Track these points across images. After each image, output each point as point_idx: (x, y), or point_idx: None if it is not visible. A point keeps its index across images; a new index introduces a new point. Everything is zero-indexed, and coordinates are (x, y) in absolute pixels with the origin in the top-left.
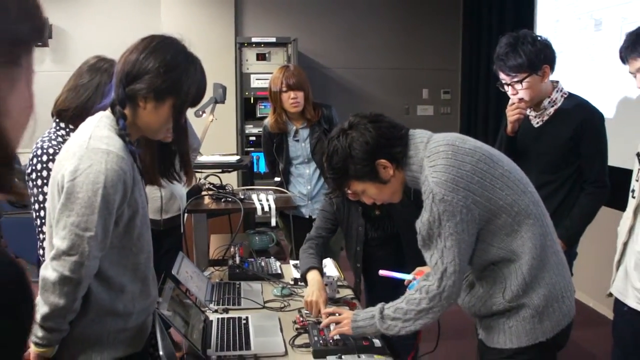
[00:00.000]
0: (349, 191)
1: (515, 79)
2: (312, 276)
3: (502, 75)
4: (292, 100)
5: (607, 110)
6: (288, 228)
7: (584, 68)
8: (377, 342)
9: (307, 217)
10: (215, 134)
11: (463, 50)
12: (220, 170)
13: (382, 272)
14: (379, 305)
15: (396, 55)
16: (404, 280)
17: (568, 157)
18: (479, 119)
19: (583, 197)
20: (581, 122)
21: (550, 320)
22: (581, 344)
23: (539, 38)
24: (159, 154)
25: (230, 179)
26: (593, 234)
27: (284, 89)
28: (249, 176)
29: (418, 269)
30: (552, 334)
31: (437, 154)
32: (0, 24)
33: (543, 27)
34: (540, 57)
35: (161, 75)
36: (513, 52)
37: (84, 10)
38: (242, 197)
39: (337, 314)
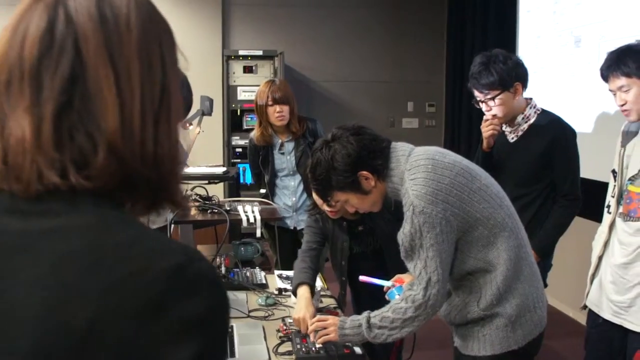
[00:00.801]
0: (328, 209)
1: (489, 96)
2: (301, 292)
3: (476, 93)
4: (278, 114)
5: (586, 124)
6: (273, 239)
7: (564, 83)
8: (357, 350)
9: (292, 228)
10: (202, 145)
11: (447, 64)
12: (206, 182)
13: (362, 278)
14: (365, 314)
15: (382, 68)
16: (383, 286)
17: (541, 171)
18: (462, 132)
19: (556, 210)
20: (553, 138)
21: (523, 330)
22: (561, 353)
23: (510, 57)
24: None
25: (217, 190)
26: (572, 244)
27: (270, 102)
28: (235, 187)
29: (397, 276)
30: (524, 343)
31: (417, 167)
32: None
33: (525, 43)
34: (512, 75)
35: None
36: (485, 70)
37: None
38: (228, 208)
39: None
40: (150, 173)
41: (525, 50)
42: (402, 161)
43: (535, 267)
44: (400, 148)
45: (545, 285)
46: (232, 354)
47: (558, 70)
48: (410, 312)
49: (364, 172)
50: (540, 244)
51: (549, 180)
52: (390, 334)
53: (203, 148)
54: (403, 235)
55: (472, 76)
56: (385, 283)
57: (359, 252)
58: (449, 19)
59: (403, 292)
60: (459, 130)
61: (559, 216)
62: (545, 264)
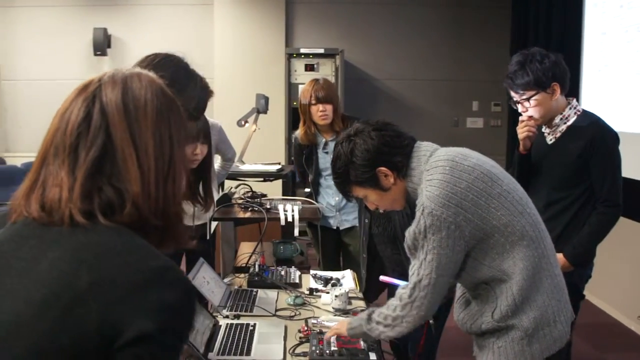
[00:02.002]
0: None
1: (524, 97)
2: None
3: (512, 93)
4: (321, 113)
5: None
6: (316, 238)
7: (630, 81)
8: (372, 356)
9: (335, 228)
10: (263, 143)
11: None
12: (261, 179)
13: (382, 278)
14: (371, 308)
15: (445, 67)
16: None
17: (579, 174)
18: None
19: (593, 216)
20: (591, 139)
21: (540, 344)
22: None
23: (548, 56)
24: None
25: (274, 188)
26: (628, 249)
27: (313, 101)
28: (289, 185)
29: None
30: (541, 358)
31: (435, 168)
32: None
33: (589, 40)
34: (549, 75)
35: None
36: (521, 70)
37: (141, 20)
38: (269, 207)
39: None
40: (159, 222)
41: (590, 47)
42: (423, 161)
43: (560, 280)
44: (424, 147)
45: (582, 297)
46: (248, 352)
47: (623, 68)
48: (398, 310)
49: (383, 169)
50: (574, 251)
51: (588, 185)
52: (383, 331)
53: (265, 145)
54: (408, 233)
55: (508, 76)
56: (405, 283)
57: (377, 233)
58: (513, 17)
59: (399, 289)
60: None
61: (595, 223)
62: (581, 273)
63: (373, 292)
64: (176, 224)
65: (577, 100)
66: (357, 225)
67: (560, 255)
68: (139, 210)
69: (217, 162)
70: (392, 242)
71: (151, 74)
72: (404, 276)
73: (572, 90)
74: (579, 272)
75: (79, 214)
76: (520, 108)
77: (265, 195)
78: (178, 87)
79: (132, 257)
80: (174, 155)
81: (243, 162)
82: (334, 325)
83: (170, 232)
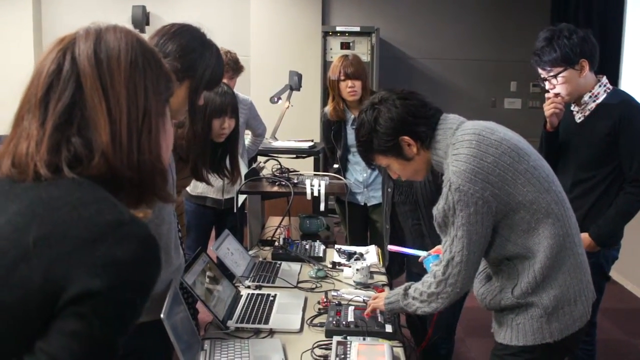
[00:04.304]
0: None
1: (551, 74)
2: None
3: (539, 70)
4: (350, 89)
5: None
6: (343, 214)
7: None
8: (388, 328)
9: (362, 204)
10: (299, 120)
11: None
12: (294, 156)
13: (390, 247)
14: (407, 284)
15: (483, 46)
16: (415, 255)
17: (607, 153)
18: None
19: (621, 196)
20: (620, 118)
21: (559, 323)
22: None
23: (577, 32)
24: (211, 153)
25: (307, 165)
26: None
27: (342, 77)
28: (322, 162)
29: (437, 247)
30: (560, 337)
31: (461, 142)
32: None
33: (633, 19)
34: (577, 51)
35: (178, 58)
36: (548, 46)
37: None
38: (296, 181)
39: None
40: (133, 174)
41: (634, 26)
42: (449, 134)
43: (583, 259)
44: (450, 120)
45: (608, 278)
46: (267, 321)
47: None
48: (433, 287)
49: (406, 138)
50: (600, 231)
51: (616, 165)
52: (420, 306)
53: (299, 123)
54: (437, 210)
55: (535, 52)
56: (416, 252)
57: (399, 202)
58: None
59: (432, 266)
60: None
61: (622, 203)
62: (607, 254)
63: (397, 265)
64: (153, 177)
65: (617, 81)
66: None
67: (585, 235)
68: (109, 162)
69: (247, 137)
70: (414, 210)
71: (129, 27)
72: (423, 249)
73: (612, 70)
74: (604, 253)
75: (43, 167)
76: (547, 85)
77: (294, 171)
78: (193, 55)
79: (87, 210)
80: (150, 105)
81: (276, 139)
82: (371, 300)
83: (147, 185)
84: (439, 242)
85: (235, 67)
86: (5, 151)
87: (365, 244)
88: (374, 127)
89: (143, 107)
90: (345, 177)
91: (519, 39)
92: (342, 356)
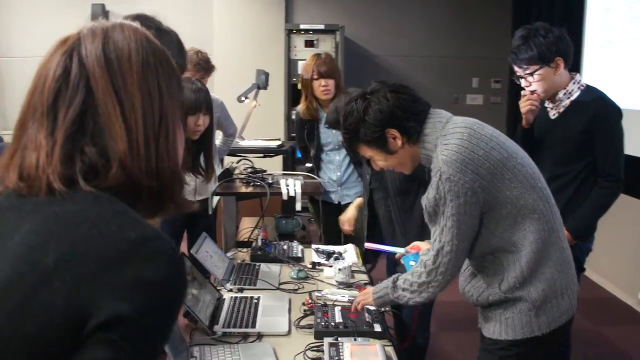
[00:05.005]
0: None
1: (528, 72)
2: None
3: (515, 68)
4: (324, 88)
5: None
6: (317, 213)
7: (634, 58)
8: (377, 327)
9: (337, 203)
10: (263, 119)
11: (513, 39)
12: (262, 155)
13: (368, 245)
14: (395, 276)
15: (445, 44)
16: (392, 253)
17: (581, 150)
18: None
19: (595, 191)
20: (594, 115)
21: (548, 316)
22: (615, 342)
23: (552, 31)
24: (185, 151)
25: (275, 164)
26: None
27: (316, 76)
28: (290, 161)
29: (414, 243)
30: (549, 330)
31: (453, 134)
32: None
33: (593, 16)
34: (553, 50)
35: None
36: (525, 44)
37: None
38: (271, 182)
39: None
40: (152, 183)
41: (594, 24)
42: (439, 127)
43: (568, 254)
44: (440, 114)
45: (583, 270)
46: (254, 325)
47: (628, 44)
48: (424, 277)
49: (393, 131)
50: (576, 225)
51: (590, 160)
52: (411, 297)
53: (265, 122)
54: (427, 200)
55: (512, 51)
56: (393, 249)
57: (375, 188)
58: None
59: (421, 256)
60: None
61: (597, 198)
62: (582, 247)
63: (373, 256)
64: (173, 184)
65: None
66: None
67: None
68: (127, 172)
69: (218, 138)
70: (386, 198)
71: (135, 24)
72: (395, 239)
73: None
74: (580, 246)
75: (57, 181)
76: (523, 83)
77: (265, 171)
78: None
79: (109, 227)
80: (166, 108)
81: (243, 139)
82: (358, 297)
83: (166, 193)
84: (407, 230)
85: (207, 67)
86: (10, 164)
87: (339, 243)
88: (362, 117)
89: (159, 110)
90: (319, 177)
91: (482, 36)
92: (336, 358)
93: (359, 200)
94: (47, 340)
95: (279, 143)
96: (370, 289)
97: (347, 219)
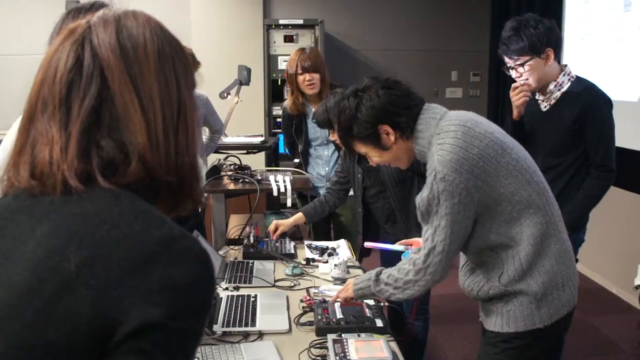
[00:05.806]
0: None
1: (518, 62)
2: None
3: (506, 59)
4: (308, 82)
5: (633, 92)
6: None
7: (612, 50)
8: (378, 322)
9: None
10: (243, 115)
11: (492, 32)
12: (245, 151)
13: (367, 244)
14: (378, 269)
15: (424, 37)
16: (391, 250)
17: (573, 140)
18: (507, 102)
19: (587, 181)
20: (585, 105)
21: (549, 308)
22: (602, 331)
23: (542, 22)
24: None
25: (257, 160)
26: (615, 217)
27: (299, 71)
28: (273, 157)
29: (413, 239)
30: (550, 322)
31: (447, 132)
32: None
33: (572, 8)
34: (543, 41)
35: None
36: (515, 35)
37: None
38: (260, 178)
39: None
40: (172, 178)
41: (573, 16)
42: (433, 124)
43: (568, 245)
44: (433, 110)
45: (576, 261)
46: (253, 323)
47: (606, 36)
48: (411, 274)
49: (385, 127)
50: (569, 216)
51: (582, 151)
52: (394, 293)
53: (244, 118)
54: (420, 199)
55: (502, 42)
56: (391, 247)
57: (369, 185)
58: None
59: (411, 254)
60: (504, 100)
61: (589, 188)
62: (575, 237)
63: (367, 250)
64: (192, 178)
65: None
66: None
67: None
68: (147, 166)
69: (204, 135)
70: (383, 191)
71: (146, 12)
72: (395, 229)
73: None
74: (573, 237)
75: (74, 178)
76: (514, 74)
77: (250, 168)
78: None
79: (132, 227)
80: (184, 99)
81: (226, 135)
82: (338, 290)
83: (186, 188)
84: (409, 217)
85: (192, 62)
86: (19, 160)
87: (328, 238)
88: (354, 114)
89: (177, 101)
90: (306, 172)
91: (460, 29)
92: (342, 354)
93: (294, 218)
94: (73, 349)
95: (262, 139)
96: (350, 280)
97: (281, 226)
